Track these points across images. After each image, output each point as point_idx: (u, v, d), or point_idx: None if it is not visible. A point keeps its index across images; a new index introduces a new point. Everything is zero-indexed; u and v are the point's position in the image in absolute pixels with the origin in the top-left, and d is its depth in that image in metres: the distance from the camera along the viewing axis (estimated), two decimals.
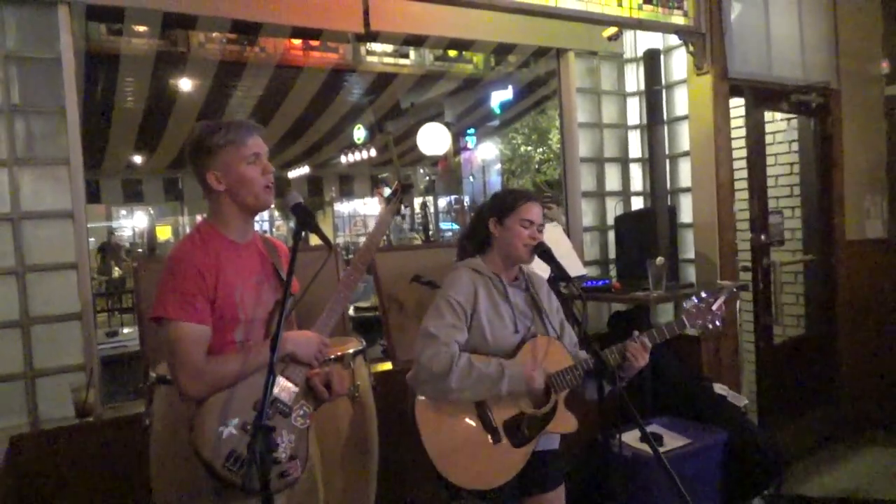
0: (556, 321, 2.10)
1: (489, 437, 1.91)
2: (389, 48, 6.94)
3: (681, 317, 2.10)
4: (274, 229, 16.74)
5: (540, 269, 2.13)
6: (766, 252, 3.85)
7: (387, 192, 2.10)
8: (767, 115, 4.43)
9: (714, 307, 2.07)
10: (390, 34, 3.37)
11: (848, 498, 3.32)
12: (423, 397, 1.92)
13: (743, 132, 4.01)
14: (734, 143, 3.81)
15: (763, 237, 3.80)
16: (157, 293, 1.64)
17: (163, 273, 1.66)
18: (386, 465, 2.54)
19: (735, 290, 2.25)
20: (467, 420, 1.91)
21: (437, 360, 1.86)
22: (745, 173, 3.99)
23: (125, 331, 5.91)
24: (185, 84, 7.10)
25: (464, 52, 7.17)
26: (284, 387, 1.68)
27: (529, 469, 1.96)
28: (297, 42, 6.46)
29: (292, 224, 1.70)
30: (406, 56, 7.20)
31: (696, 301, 2.09)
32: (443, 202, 20.48)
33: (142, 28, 5.50)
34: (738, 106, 4.00)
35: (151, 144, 10.42)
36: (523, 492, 2.00)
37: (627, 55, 4.18)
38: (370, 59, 7.00)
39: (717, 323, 2.09)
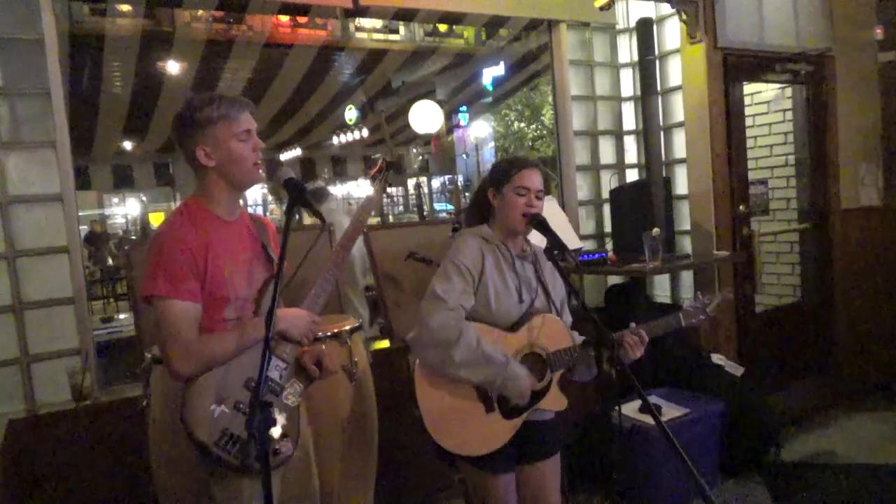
0: (558, 299, 2.07)
1: (482, 405, 1.90)
2: (379, 24, 6.85)
3: (678, 314, 2.19)
4: (268, 213, 16.67)
5: (536, 240, 2.11)
6: (746, 222, 3.83)
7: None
8: (761, 84, 4.39)
9: (708, 309, 2.22)
10: (379, 8, 3.29)
11: (835, 463, 3.34)
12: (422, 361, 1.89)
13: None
14: None
15: (742, 207, 3.78)
16: (145, 271, 1.59)
17: (150, 251, 1.61)
18: (385, 443, 2.54)
19: (730, 296, 2.40)
20: (463, 387, 1.88)
21: (445, 327, 1.81)
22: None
23: (120, 317, 5.90)
24: (173, 66, 7.02)
25: (454, 27, 7.09)
26: (275, 365, 1.66)
27: (525, 438, 1.98)
28: (285, 19, 6.37)
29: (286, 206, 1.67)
30: (396, 32, 7.12)
31: (694, 302, 2.25)
32: (437, 182, 20.42)
33: (125, 7, 5.41)
34: None
35: (140, 129, 10.34)
36: (519, 460, 2.01)
37: (619, 26, 4.13)
38: (359, 35, 6.91)
39: (706, 321, 2.26)
